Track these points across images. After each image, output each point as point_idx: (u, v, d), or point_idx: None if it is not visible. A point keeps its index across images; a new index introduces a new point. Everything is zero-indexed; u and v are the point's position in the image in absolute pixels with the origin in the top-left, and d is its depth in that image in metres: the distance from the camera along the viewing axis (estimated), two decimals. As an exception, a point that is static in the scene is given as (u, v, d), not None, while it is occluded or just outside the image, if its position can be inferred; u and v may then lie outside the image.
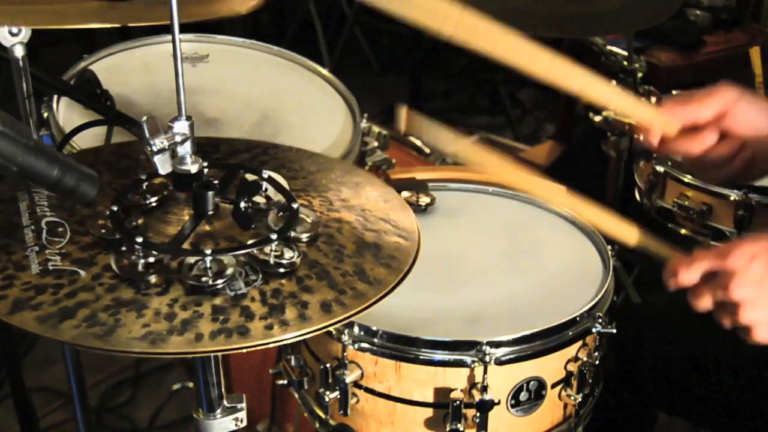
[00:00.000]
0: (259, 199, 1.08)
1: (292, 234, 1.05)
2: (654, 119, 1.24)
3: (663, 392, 1.53)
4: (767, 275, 1.09)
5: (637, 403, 1.59)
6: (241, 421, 1.15)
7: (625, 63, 2.12)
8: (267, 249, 1.01)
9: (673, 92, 2.06)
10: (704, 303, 1.13)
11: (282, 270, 1.01)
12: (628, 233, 1.25)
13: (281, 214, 1.06)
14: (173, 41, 1.00)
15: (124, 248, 1.00)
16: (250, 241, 1.02)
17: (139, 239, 0.99)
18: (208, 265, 0.98)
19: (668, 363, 1.52)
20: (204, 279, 0.97)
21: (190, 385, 1.15)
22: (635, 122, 1.25)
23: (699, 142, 1.23)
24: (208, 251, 0.99)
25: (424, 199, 1.55)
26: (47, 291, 0.96)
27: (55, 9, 1.24)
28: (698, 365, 1.48)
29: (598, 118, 2.19)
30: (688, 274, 1.14)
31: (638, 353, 1.53)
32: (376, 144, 1.75)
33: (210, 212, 1.05)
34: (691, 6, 2.85)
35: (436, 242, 1.47)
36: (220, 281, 0.97)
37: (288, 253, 1.02)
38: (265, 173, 1.10)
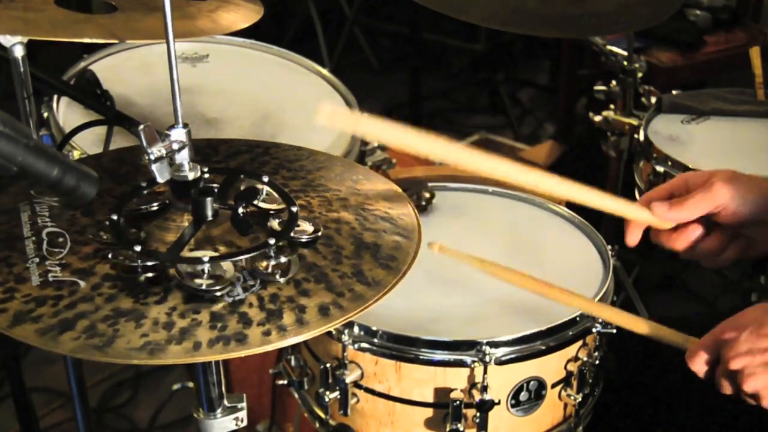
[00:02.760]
0: (264, 205, 1.08)
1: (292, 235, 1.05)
2: (646, 221, 1.25)
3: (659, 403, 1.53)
4: (756, 343, 1.12)
5: (636, 403, 1.59)
6: (241, 421, 1.15)
7: (625, 63, 2.12)
8: (265, 263, 1.01)
9: (673, 92, 2.06)
10: (724, 386, 1.16)
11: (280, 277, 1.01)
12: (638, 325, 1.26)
13: (280, 221, 1.06)
14: (168, 49, 1.00)
15: (122, 257, 1.00)
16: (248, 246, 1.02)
17: (138, 248, 0.99)
18: (207, 271, 0.98)
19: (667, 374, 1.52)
20: (202, 285, 0.97)
21: (190, 385, 1.15)
22: (630, 223, 1.27)
23: (684, 239, 1.25)
24: (206, 258, 0.99)
25: (424, 199, 1.55)
26: (47, 303, 0.96)
27: (51, 18, 1.24)
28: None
29: (598, 118, 2.19)
30: (697, 365, 1.17)
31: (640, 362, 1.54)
32: (376, 144, 1.75)
33: (209, 219, 1.05)
34: (691, 6, 2.85)
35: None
36: (218, 288, 0.97)
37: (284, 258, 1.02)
38: (264, 178, 1.10)
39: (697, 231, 1.24)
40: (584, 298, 1.28)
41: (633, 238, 1.27)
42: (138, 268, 0.98)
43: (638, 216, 1.25)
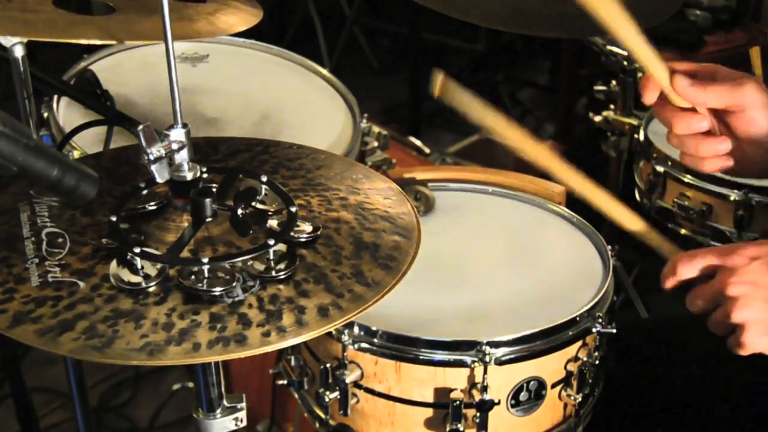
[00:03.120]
0: (262, 206, 1.08)
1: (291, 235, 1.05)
2: (663, 85, 1.18)
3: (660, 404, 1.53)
4: (765, 277, 1.08)
5: (636, 403, 1.60)
6: (241, 421, 1.15)
7: (625, 63, 2.12)
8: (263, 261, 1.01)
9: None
10: (698, 302, 1.12)
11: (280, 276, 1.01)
12: (633, 221, 1.22)
13: (279, 222, 1.06)
14: (166, 49, 1.00)
15: (122, 258, 1.00)
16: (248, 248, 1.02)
17: (137, 249, 0.99)
18: (206, 273, 0.98)
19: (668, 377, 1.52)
20: (201, 286, 0.97)
21: (190, 385, 1.16)
22: (647, 74, 1.19)
23: (685, 124, 1.18)
24: (206, 259, 0.99)
25: (424, 200, 1.55)
26: (47, 303, 0.96)
27: (49, 20, 1.24)
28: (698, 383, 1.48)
29: (598, 118, 2.19)
30: (688, 269, 1.12)
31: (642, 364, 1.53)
32: (376, 144, 1.75)
33: (208, 219, 1.05)
34: (691, 6, 2.85)
35: (436, 242, 1.47)
36: (217, 289, 0.97)
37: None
38: (263, 177, 1.10)
39: (702, 122, 1.18)
40: (582, 179, 1.23)
41: (650, 97, 1.19)
42: (138, 270, 0.99)
43: (659, 75, 1.17)
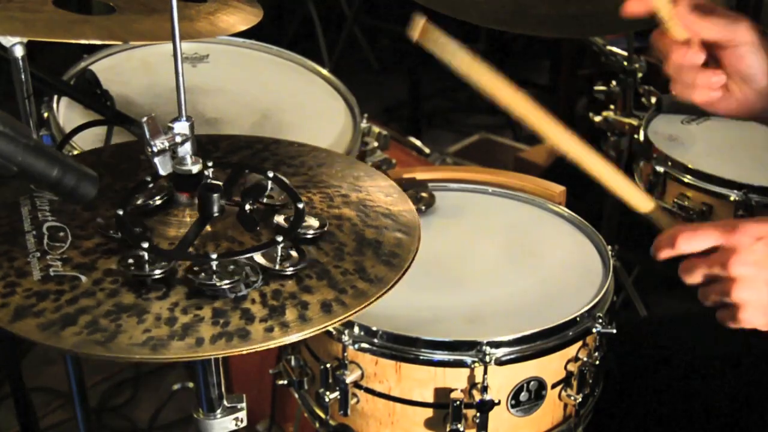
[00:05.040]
0: (269, 200, 1.08)
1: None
2: (664, 11, 1.19)
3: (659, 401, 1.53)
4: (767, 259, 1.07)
5: (636, 403, 1.60)
6: (241, 421, 1.15)
7: (625, 63, 2.12)
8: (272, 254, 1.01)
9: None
10: (695, 276, 1.11)
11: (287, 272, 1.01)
12: (642, 200, 1.21)
13: (286, 216, 1.06)
14: (173, 42, 1.00)
15: (128, 253, 1.00)
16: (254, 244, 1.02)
17: (145, 244, 0.99)
18: (213, 269, 0.98)
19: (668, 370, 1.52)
20: (208, 282, 0.97)
21: (190, 385, 1.15)
22: None
23: (681, 55, 1.19)
24: (214, 255, 0.98)
25: (424, 199, 1.55)
26: (49, 297, 0.95)
27: (49, 19, 1.24)
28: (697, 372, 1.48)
29: (598, 118, 2.19)
30: (690, 242, 1.11)
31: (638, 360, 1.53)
32: (376, 144, 1.75)
33: (216, 215, 1.05)
34: (691, 6, 2.85)
35: (436, 242, 1.47)
36: (225, 283, 0.97)
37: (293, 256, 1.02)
38: (270, 173, 1.10)
39: (698, 56, 1.19)
40: (580, 143, 1.20)
41: (635, 6, 1.21)
42: (147, 268, 0.98)
43: (661, 1, 1.19)
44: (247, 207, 1.03)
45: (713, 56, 1.21)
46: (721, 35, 1.19)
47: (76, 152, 1.48)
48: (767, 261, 1.07)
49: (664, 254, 1.14)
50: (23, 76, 1.31)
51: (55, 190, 0.95)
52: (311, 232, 1.05)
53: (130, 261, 0.99)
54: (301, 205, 1.07)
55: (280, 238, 1.01)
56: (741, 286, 1.07)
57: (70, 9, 1.29)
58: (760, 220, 1.11)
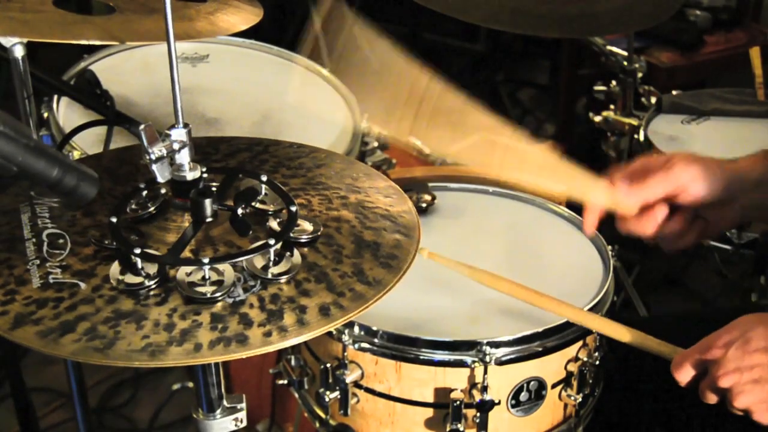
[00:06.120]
0: (263, 206, 1.08)
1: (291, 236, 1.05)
2: (610, 202, 1.25)
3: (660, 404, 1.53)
4: (743, 361, 1.12)
5: (636, 403, 1.60)
6: (241, 421, 1.15)
7: (625, 63, 2.12)
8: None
9: (673, 92, 2.06)
10: (710, 398, 1.17)
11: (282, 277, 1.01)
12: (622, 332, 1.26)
13: (279, 220, 1.06)
14: (168, 49, 1.00)
15: (123, 259, 1.00)
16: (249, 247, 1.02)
17: (137, 250, 0.99)
18: (207, 274, 0.98)
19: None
20: (202, 289, 0.97)
21: (190, 385, 1.15)
22: (588, 205, 1.27)
23: (652, 221, 1.25)
24: (206, 260, 0.98)
25: (424, 199, 1.55)
26: (48, 305, 0.95)
27: (49, 20, 1.24)
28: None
29: (598, 118, 2.19)
30: (683, 375, 1.18)
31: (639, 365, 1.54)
32: (376, 144, 1.75)
33: (209, 219, 1.05)
34: (691, 6, 2.85)
35: (436, 242, 1.47)
36: (218, 293, 0.97)
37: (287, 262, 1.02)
38: (263, 177, 1.10)
39: (662, 211, 1.24)
40: (573, 308, 1.28)
41: (590, 224, 1.28)
42: (139, 271, 0.98)
43: (600, 198, 1.25)
44: (240, 211, 1.03)
45: (672, 204, 1.25)
46: (667, 188, 1.24)
47: (76, 152, 1.48)
48: (744, 363, 1.12)
49: (684, 384, 1.20)
50: (23, 76, 1.31)
51: (55, 191, 0.95)
52: (305, 236, 1.05)
53: (124, 269, 0.99)
54: (294, 209, 1.07)
55: (272, 242, 1.01)
56: (735, 395, 1.13)
57: (70, 9, 1.29)
58: (727, 329, 1.17)
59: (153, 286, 0.98)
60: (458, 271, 1.31)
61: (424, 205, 1.54)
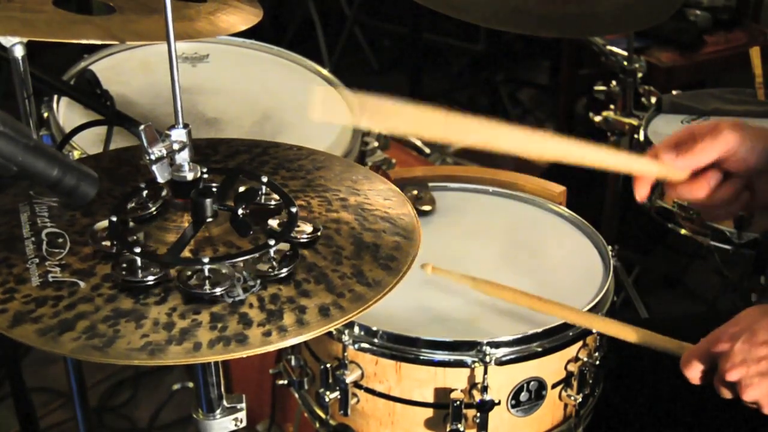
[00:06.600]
0: (263, 206, 1.08)
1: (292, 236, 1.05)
2: (658, 172, 1.23)
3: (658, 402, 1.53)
4: (750, 353, 1.11)
5: (636, 403, 1.60)
6: (241, 421, 1.15)
7: (625, 63, 2.12)
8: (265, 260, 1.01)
9: (673, 92, 2.06)
10: (724, 393, 1.16)
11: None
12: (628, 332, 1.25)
13: (280, 221, 1.06)
14: (168, 49, 1.00)
15: (122, 259, 1.00)
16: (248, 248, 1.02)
17: (137, 249, 0.99)
18: (207, 274, 0.98)
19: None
20: (202, 288, 0.97)
21: (190, 385, 1.16)
22: (638, 176, 1.24)
23: (703, 186, 1.22)
24: (206, 259, 0.98)
25: (424, 200, 1.55)
26: (47, 303, 0.96)
27: (50, 19, 1.24)
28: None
29: (598, 118, 2.19)
30: (693, 372, 1.17)
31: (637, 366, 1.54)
32: (376, 144, 1.75)
33: (209, 219, 1.05)
34: (691, 6, 2.85)
35: (436, 242, 1.47)
36: (218, 290, 0.97)
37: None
38: (264, 178, 1.10)
39: (715, 176, 1.22)
40: (575, 311, 1.28)
41: (642, 192, 1.25)
42: (139, 273, 0.98)
43: (648, 169, 1.23)
44: (240, 212, 1.03)
45: (721, 169, 1.23)
46: (714, 154, 1.21)
47: (76, 152, 1.48)
48: (751, 355, 1.11)
49: (694, 382, 1.19)
50: (23, 76, 1.31)
51: (55, 190, 0.95)
52: (305, 236, 1.05)
53: (124, 266, 0.99)
54: (294, 210, 1.07)
55: (272, 242, 1.01)
56: (744, 388, 1.12)
57: (70, 9, 1.29)
58: (733, 321, 1.16)
59: (152, 284, 0.98)
60: (462, 284, 1.31)
61: (423, 205, 1.54)
